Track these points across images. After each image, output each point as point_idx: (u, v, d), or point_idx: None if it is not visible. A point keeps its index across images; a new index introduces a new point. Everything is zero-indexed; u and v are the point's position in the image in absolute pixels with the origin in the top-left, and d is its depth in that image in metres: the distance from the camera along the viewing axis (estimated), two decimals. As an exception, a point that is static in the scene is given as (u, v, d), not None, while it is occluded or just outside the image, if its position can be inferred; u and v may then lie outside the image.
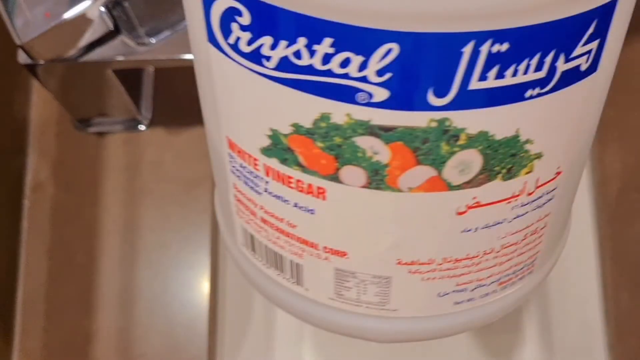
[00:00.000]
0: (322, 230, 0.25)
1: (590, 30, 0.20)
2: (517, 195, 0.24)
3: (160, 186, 0.47)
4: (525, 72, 0.20)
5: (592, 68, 0.21)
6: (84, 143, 0.48)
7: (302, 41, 0.19)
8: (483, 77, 0.20)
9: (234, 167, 0.25)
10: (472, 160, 0.22)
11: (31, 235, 0.47)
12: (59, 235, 0.47)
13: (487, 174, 0.22)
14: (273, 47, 0.20)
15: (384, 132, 0.21)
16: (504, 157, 0.22)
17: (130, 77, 0.46)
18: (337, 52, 0.19)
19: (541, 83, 0.20)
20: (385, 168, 0.22)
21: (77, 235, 0.47)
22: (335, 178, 0.23)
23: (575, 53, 0.20)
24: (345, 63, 0.19)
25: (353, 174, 0.22)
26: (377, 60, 0.19)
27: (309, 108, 0.21)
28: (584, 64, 0.21)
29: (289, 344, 0.46)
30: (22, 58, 0.40)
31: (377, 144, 0.21)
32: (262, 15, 0.19)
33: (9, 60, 0.40)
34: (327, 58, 0.20)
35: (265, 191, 0.25)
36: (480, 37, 0.19)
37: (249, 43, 0.20)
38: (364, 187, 0.23)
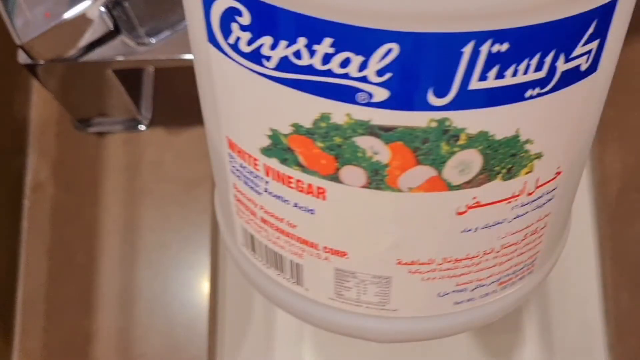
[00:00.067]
0: (322, 230, 0.25)
1: (590, 30, 0.20)
2: (517, 195, 0.24)
3: (160, 186, 0.47)
4: (525, 72, 0.20)
5: (592, 68, 0.21)
6: (84, 143, 0.48)
7: (302, 41, 0.19)
8: (483, 77, 0.20)
9: (234, 167, 0.25)
10: (472, 160, 0.22)
11: (31, 235, 0.47)
12: (59, 235, 0.47)
13: (487, 174, 0.22)
14: (273, 47, 0.20)
15: (384, 132, 0.21)
16: (504, 157, 0.22)
17: (130, 77, 0.46)
18: (337, 52, 0.19)
19: (541, 83, 0.20)
20: (385, 168, 0.22)
21: (77, 235, 0.47)
22: (335, 178, 0.23)
23: (575, 53, 0.20)
24: (345, 63, 0.19)
25: (353, 174, 0.22)
26: (377, 60, 0.19)
27: (309, 108, 0.21)
28: (584, 64, 0.21)
29: (289, 344, 0.46)
30: (22, 58, 0.40)
31: (377, 144, 0.21)
32: (262, 15, 0.19)
33: (9, 60, 0.40)
34: (327, 58, 0.20)
35: (265, 191, 0.25)
36: (480, 37, 0.19)
37: (249, 43, 0.20)
38: (364, 187, 0.23)
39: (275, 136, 0.22)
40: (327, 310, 0.29)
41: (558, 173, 0.24)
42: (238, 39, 0.20)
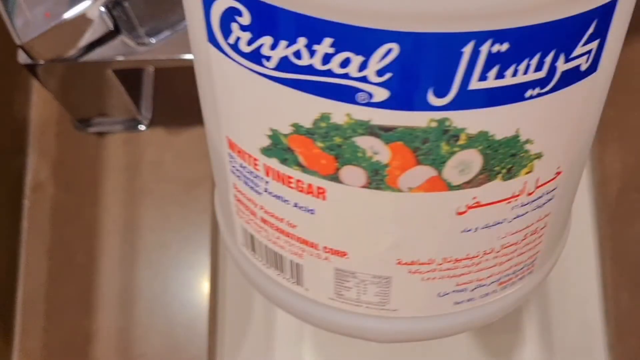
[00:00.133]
0: (322, 230, 0.25)
1: (590, 30, 0.20)
2: (517, 195, 0.24)
3: (160, 186, 0.47)
4: (525, 72, 0.20)
5: (592, 68, 0.21)
6: (84, 143, 0.48)
7: (302, 41, 0.19)
8: (483, 77, 0.20)
9: (234, 167, 0.25)
10: (472, 160, 0.22)
11: (31, 235, 0.47)
12: (59, 235, 0.47)
13: (487, 174, 0.22)
14: (273, 47, 0.20)
15: (384, 132, 0.21)
16: (504, 157, 0.22)
17: (130, 77, 0.46)
18: (337, 52, 0.19)
19: (541, 83, 0.20)
20: (385, 168, 0.22)
21: (77, 235, 0.47)
22: (335, 178, 0.23)
23: (575, 53, 0.20)
24: (345, 63, 0.19)
25: (353, 174, 0.22)
26: (377, 60, 0.19)
27: (309, 108, 0.21)
28: (584, 64, 0.21)
29: (289, 344, 0.46)
30: (22, 58, 0.40)
31: (377, 144, 0.21)
32: (262, 15, 0.19)
33: (9, 60, 0.40)
34: (327, 58, 0.20)
35: (265, 191, 0.25)
36: (480, 37, 0.19)
37: (249, 43, 0.20)
38: (364, 187, 0.23)
39: (275, 136, 0.22)
40: (327, 310, 0.29)
41: (558, 173, 0.24)
42: (238, 39, 0.20)
